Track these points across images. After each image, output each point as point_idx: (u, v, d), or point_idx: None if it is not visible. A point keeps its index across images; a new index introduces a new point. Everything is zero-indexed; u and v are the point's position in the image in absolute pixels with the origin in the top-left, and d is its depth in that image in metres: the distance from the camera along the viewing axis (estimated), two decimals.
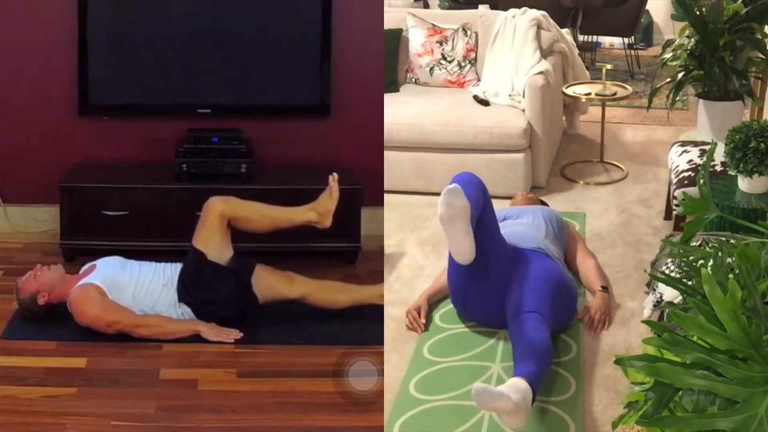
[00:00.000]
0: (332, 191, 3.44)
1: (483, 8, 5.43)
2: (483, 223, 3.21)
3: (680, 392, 1.75)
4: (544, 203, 4.18)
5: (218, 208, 3.33)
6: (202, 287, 3.34)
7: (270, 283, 3.43)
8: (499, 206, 4.15)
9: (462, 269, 3.26)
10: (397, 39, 5.27)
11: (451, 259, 3.27)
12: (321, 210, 3.43)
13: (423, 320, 3.41)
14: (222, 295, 3.36)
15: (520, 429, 2.68)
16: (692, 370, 1.70)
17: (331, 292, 3.49)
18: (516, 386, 2.63)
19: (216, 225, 3.32)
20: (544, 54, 4.96)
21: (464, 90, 5.14)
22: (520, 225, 3.59)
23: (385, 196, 4.39)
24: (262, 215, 3.40)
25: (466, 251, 3.11)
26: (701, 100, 4.98)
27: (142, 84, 4.13)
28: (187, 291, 3.33)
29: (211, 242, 3.32)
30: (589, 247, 3.87)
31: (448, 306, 3.53)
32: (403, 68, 5.32)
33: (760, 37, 4.89)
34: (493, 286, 3.26)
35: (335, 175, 3.46)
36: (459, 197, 3.06)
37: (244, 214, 3.37)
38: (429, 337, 3.34)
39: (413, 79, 5.30)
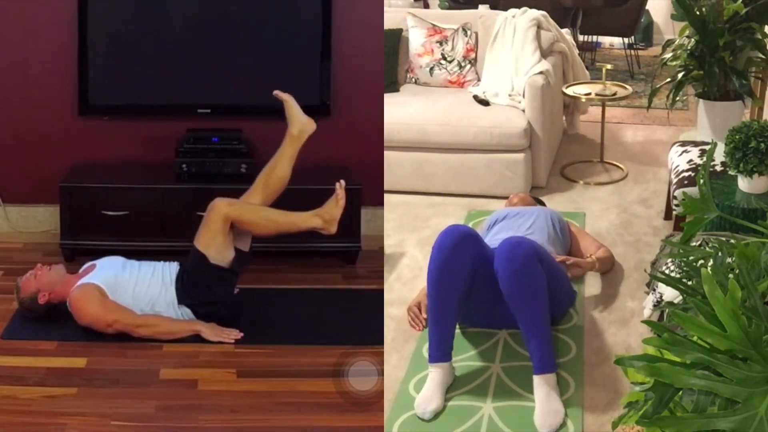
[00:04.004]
0: (338, 198, 3.42)
1: (483, 8, 5.43)
2: (476, 270, 3.11)
3: (680, 392, 1.75)
4: (541, 203, 4.18)
5: (223, 211, 3.31)
6: (201, 288, 3.33)
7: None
8: (498, 207, 4.17)
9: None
10: (397, 39, 5.27)
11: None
12: (326, 216, 3.41)
13: (424, 315, 3.40)
14: (221, 296, 3.36)
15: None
16: (692, 370, 1.70)
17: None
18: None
19: (219, 227, 3.31)
20: (544, 54, 4.96)
21: (464, 90, 5.13)
22: (515, 230, 3.56)
23: (385, 196, 4.40)
24: (266, 219, 3.38)
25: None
26: (701, 100, 4.98)
27: (142, 84, 4.13)
28: (185, 291, 3.33)
29: (213, 244, 3.31)
30: None
31: None
32: (403, 68, 5.32)
33: (760, 37, 4.89)
34: (490, 296, 3.24)
35: (342, 182, 3.44)
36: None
37: (250, 218, 3.35)
38: None
39: (413, 79, 5.30)
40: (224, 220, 3.30)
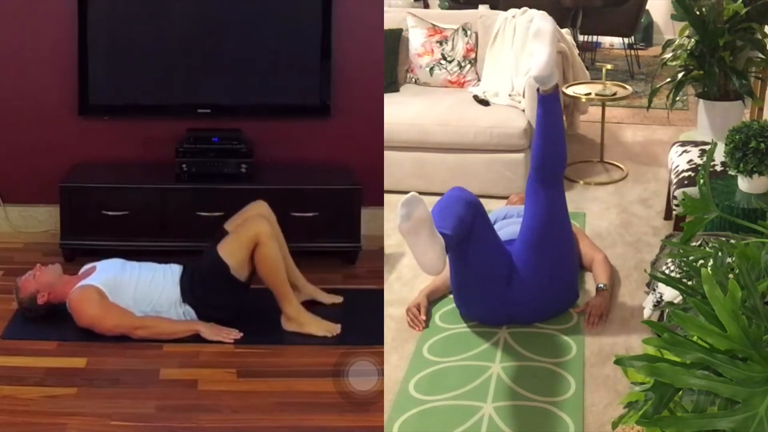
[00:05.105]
0: (334, 330, 3.34)
1: (483, 8, 5.43)
2: (476, 236, 3.17)
3: (680, 392, 1.75)
4: None
5: (261, 229, 3.28)
6: (214, 294, 3.33)
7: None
8: (498, 207, 4.17)
9: (464, 275, 3.26)
10: (397, 39, 5.27)
11: (452, 263, 3.27)
12: (312, 327, 3.34)
13: (423, 317, 3.41)
14: (228, 304, 3.36)
15: None
16: (692, 370, 1.70)
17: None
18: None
19: (248, 242, 3.28)
20: None
21: (464, 90, 5.14)
22: (516, 228, 3.58)
23: (385, 196, 4.39)
24: (278, 271, 3.32)
25: (433, 263, 2.83)
26: (701, 100, 4.98)
27: (142, 84, 4.13)
28: (193, 291, 3.32)
29: (237, 257, 3.29)
30: None
31: (447, 306, 3.53)
32: (403, 68, 5.32)
33: (760, 37, 4.89)
34: (497, 284, 3.26)
35: (338, 328, 3.36)
36: (418, 207, 2.79)
37: (270, 254, 3.29)
38: (429, 336, 3.34)
39: (413, 79, 5.30)
40: (254, 238, 3.27)
